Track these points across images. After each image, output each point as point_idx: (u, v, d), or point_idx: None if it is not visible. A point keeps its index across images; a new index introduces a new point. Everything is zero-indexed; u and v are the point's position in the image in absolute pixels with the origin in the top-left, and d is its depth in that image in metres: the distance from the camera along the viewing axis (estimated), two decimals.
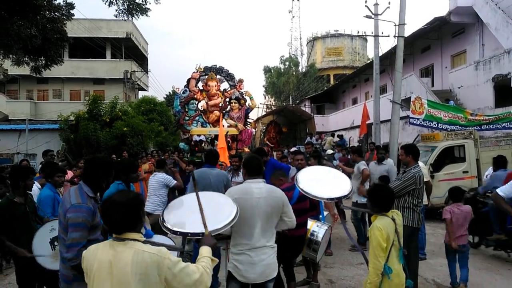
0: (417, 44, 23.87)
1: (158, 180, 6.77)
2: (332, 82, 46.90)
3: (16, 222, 4.11)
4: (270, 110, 34.50)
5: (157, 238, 3.91)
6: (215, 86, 18.10)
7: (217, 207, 3.11)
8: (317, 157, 7.28)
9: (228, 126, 17.63)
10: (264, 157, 6.61)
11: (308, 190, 3.94)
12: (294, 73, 50.87)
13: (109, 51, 32.42)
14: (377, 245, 3.32)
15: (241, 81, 18.43)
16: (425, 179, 6.69)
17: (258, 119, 28.25)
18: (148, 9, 11.06)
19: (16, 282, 4.32)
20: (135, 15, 10.98)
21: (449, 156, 10.66)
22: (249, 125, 18.89)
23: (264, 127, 28.68)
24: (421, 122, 12.14)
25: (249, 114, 18.98)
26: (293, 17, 60.63)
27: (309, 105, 37.93)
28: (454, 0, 19.30)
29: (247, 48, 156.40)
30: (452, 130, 11.54)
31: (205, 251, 2.50)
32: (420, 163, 5.76)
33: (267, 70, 52.89)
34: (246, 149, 17.84)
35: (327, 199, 4.10)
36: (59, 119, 18.80)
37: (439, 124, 11.99)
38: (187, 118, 17.87)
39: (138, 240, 2.17)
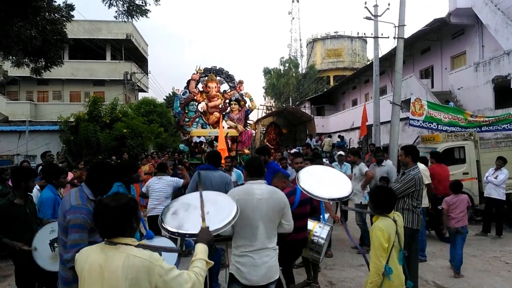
0: (417, 46, 23.89)
1: (168, 183, 6.75)
2: (332, 83, 46.93)
3: (16, 223, 4.10)
4: (270, 111, 34.54)
5: (158, 239, 3.89)
6: (215, 87, 18.09)
7: (217, 206, 3.07)
8: (312, 161, 7.03)
9: (228, 128, 17.62)
10: (267, 156, 6.59)
11: (309, 189, 3.94)
12: (294, 74, 50.88)
13: (109, 52, 32.44)
14: (378, 246, 3.33)
15: (241, 82, 18.42)
16: (426, 182, 6.70)
17: (258, 120, 28.25)
18: (148, 10, 11.08)
19: (15, 284, 4.31)
20: (135, 16, 10.99)
21: (449, 158, 10.64)
22: (249, 127, 18.87)
23: (264, 129, 28.69)
24: (421, 123, 12.13)
25: (249, 116, 18.96)
26: (293, 18, 60.71)
27: (309, 106, 37.94)
28: (453, 2, 19.32)
29: (247, 49, 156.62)
30: (452, 131, 11.53)
31: (200, 250, 2.42)
32: (421, 166, 5.76)
33: (267, 71, 52.90)
34: (246, 151, 17.84)
35: (328, 199, 4.09)
36: (59, 120, 18.82)
37: (439, 126, 11.98)
38: (187, 119, 17.87)
39: (130, 245, 2.13)
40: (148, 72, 36.69)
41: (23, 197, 4.23)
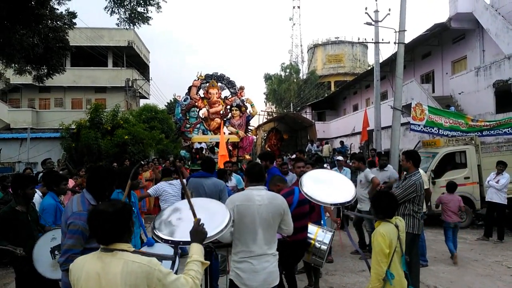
0: (417, 51, 23.94)
1: (180, 188, 6.74)
2: (333, 89, 47.00)
3: (18, 231, 4.12)
4: (271, 117, 34.53)
5: (159, 246, 3.89)
6: (216, 93, 18.12)
7: (209, 213, 3.04)
8: (313, 165, 6.91)
9: (229, 134, 17.63)
10: (268, 162, 6.56)
11: (312, 194, 3.93)
12: (295, 80, 50.99)
13: (110, 59, 32.58)
14: (379, 251, 3.33)
15: (242, 88, 18.45)
16: (425, 187, 6.69)
17: (259, 126, 28.25)
18: (150, 17, 11.13)
19: None
20: (136, 23, 11.04)
21: (450, 162, 10.64)
22: (250, 132, 18.87)
23: (265, 134, 28.67)
24: (422, 128, 12.12)
25: (250, 121, 18.97)
26: (294, 24, 60.95)
27: (310, 112, 37.99)
28: (454, 7, 19.38)
29: (248, 55, 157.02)
30: (453, 136, 11.53)
31: (195, 250, 2.41)
32: (420, 170, 5.77)
33: (268, 77, 53.01)
34: (247, 156, 17.83)
35: (331, 204, 4.08)
36: (61, 127, 18.85)
37: (440, 130, 11.98)
38: (188, 125, 17.88)
39: (127, 251, 2.12)
40: (150, 79, 36.82)
41: (24, 204, 4.25)
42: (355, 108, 34.14)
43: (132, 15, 10.85)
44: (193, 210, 2.79)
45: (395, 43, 13.34)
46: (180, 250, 2.97)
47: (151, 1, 10.80)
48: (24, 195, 4.24)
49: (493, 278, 6.30)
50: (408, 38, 15.27)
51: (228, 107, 18.32)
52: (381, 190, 5.08)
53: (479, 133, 11.61)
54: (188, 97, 17.78)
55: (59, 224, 4.26)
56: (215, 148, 15.35)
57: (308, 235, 4.87)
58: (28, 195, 4.31)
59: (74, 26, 11.69)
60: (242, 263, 3.33)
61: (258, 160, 7.59)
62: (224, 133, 15.90)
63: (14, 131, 26.71)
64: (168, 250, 3.48)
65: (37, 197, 5.30)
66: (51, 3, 10.63)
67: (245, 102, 18.39)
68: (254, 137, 21.10)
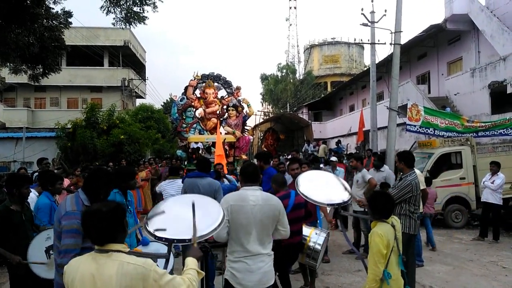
0: (413, 52, 24.01)
1: (180, 186, 6.67)
2: (329, 89, 47.05)
3: (12, 230, 4.09)
4: (267, 117, 34.56)
5: (154, 245, 3.88)
6: (213, 93, 18.11)
7: (204, 211, 3.03)
8: (308, 165, 6.97)
9: (225, 134, 17.62)
10: (263, 162, 6.56)
11: (308, 194, 3.93)
12: (291, 80, 51.00)
13: (106, 59, 32.49)
14: (377, 252, 3.33)
15: (238, 88, 18.45)
16: (421, 187, 6.70)
17: (256, 126, 28.27)
18: (146, 17, 11.09)
19: None
20: (132, 23, 11.00)
21: (446, 163, 10.68)
22: (246, 132, 18.88)
23: (262, 134, 28.69)
24: (418, 129, 12.17)
25: (247, 122, 18.97)
26: (290, 25, 60.89)
27: (306, 112, 38.02)
28: (450, 8, 19.45)
29: (245, 55, 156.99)
30: (448, 136, 11.57)
31: (191, 262, 2.43)
32: (417, 171, 5.78)
33: (264, 77, 53.01)
34: (244, 156, 17.84)
35: (327, 204, 4.08)
36: (56, 127, 18.77)
37: (436, 131, 12.03)
38: (184, 125, 17.86)
39: (122, 251, 2.12)
40: (146, 78, 36.72)
41: (19, 204, 4.22)
42: (352, 108, 34.19)
43: (128, 14, 10.81)
44: (195, 231, 2.73)
45: (391, 44, 13.38)
46: (174, 249, 2.96)
47: (147, 1, 10.76)
48: (20, 195, 4.22)
49: (488, 278, 6.33)
50: (404, 39, 15.33)
51: (225, 107, 18.32)
52: (377, 190, 5.09)
53: (474, 134, 11.66)
54: (185, 97, 17.76)
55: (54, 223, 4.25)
56: (212, 148, 15.35)
57: (303, 236, 4.87)
58: (23, 195, 4.29)
59: (70, 26, 11.63)
60: (237, 263, 3.33)
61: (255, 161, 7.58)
62: (221, 133, 15.88)
63: (9, 130, 26.59)
64: (163, 250, 3.47)
65: (33, 196, 5.27)
66: (46, 2, 10.58)
67: (241, 102, 18.39)
68: (251, 137, 21.12)
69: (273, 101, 51.25)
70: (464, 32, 20.21)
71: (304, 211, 4.76)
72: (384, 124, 15.25)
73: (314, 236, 4.93)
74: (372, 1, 16.65)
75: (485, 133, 11.90)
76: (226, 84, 18.48)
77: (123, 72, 32.21)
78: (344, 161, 13.35)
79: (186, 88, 17.99)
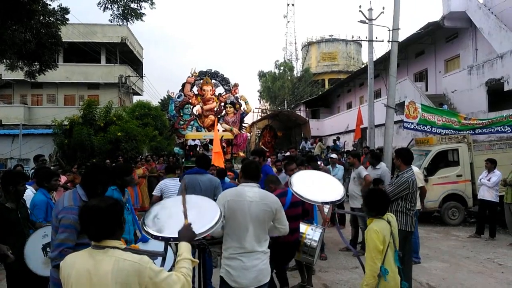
0: (411, 49, 24.03)
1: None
2: (327, 86, 47.05)
3: (7, 228, 4.06)
4: (265, 114, 34.54)
5: (153, 242, 3.87)
6: (210, 90, 18.11)
7: (200, 210, 3.06)
8: (302, 164, 6.95)
9: (223, 131, 17.62)
10: (261, 159, 6.56)
11: (302, 193, 3.95)
12: (289, 77, 51.02)
13: (103, 55, 32.34)
14: (373, 248, 3.35)
15: (236, 85, 18.45)
16: (420, 184, 6.71)
17: (253, 123, 28.27)
18: (143, 14, 11.04)
19: None
20: (130, 20, 10.95)
21: (443, 160, 10.70)
22: (244, 130, 18.90)
23: (259, 132, 28.70)
24: (415, 126, 12.19)
25: (244, 119, 19.00)
26: (288, 22, 60.93)
27: (304, 109, 38.03)
28: (447, 5, 19.47)
29: (242, 53, 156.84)
30: (446, 134, 11.60)
31: (184, 249, 2.41)
32: (415, 168, 5.79)
33: (262, 74, 53.02)
34: (241, 154, 17.85)
35: (321, 203, 4.10)
36: (53, 124, 18.71)
37: (433, 128, 12.05)
38: (182, 122, 17.86)
39: (118, 248, 2.11)
40: (143, 75, 36.63)
41: (14, 201, 4.19)
42: (349, 106, 34.22)
43: (126, 11, 10.76)
44: (185, 213, 2.77)
45: (389, 41, 13.38)
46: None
47: None
48: (16, 192, 4.19)
49: (485, 275, 6.35)
50: (401, 37, 15.34)
51: (222, 104, 18.32)
52: (373, 188, 5.13)
53: (471, 131, 11.70)
54: (182, 93, 17.76)
55: (50, 220, 4.23)
56: (209, 145, 15.34)
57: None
58: (20, 192, 4.27)
59: (67, 22, 11.56)
60: (233, 260, 3.34)
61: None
62: (218, 130, 15.89)
63: (6, 127, 26.41)
64: (162, 247, 3.47)
65: (30, 193, 5.25)
66: None
67: (239, 99, 18.40)
68: (248, 134, 21.13)
69: (270, 98, 51.26)
70: (461, 29, 20.25)
71: (301, 209, 4.77)
72: (381, 121, 15.26)
73: (310, 232, 4.94)
74: None
75: (482, 131, 11.95)
76: (224, 81, 18.48)
77: (120, 69, 32.09)
78: (341, 159, 13.40)
79: (183, 85, 17.99)
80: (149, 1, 10.84)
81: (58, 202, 3.15)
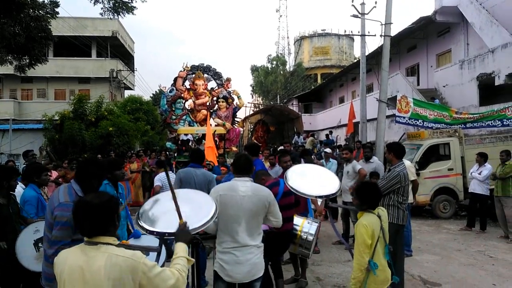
0: (403, 43, 24.10)
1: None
2: (319, 81, 47.13)
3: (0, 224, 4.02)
4: (257, 109, 34.53)
5: (145, 238, 3.85)
6: (202, 85, 18.03)
7: (195, 205, 3.04)
8: (294, 159, 6.96)
9: (215, 125, 17.58)
10: (254, 155, 6.54)
11: (297, 187, 3.94)
12: (281, 72, 51.01)
13: (94, 50, 32.07)
14: (362, 242, 3.35)
15: (228, 80, 18.39)
16: (412, 178, 6.75)
17: (246, 118, 28.24)
18: (134, 7, 11.00)
19: None
20: (121, 13, 10.89)
21: (434, 154, 10.77)
22: (236, 124, 18.87)
23: (252, 126, 28.69)
24: (407, 120, 12.26)
25: (237, 113, 18.97)
26: (281, 16, 60.85)
27: (296, 104, 38.07)
28: (439, 0, 19.54)
29: (235, 47, 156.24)
30: (437, 128, 11.67)
31: (180, 249, 2.41)
32: (407, 162, 5.81)
33: (254, 69, 52.92)
34: (234, 148, 17.83)
35: (316, 196, 4.10)
36: (44, 119, 18.53)
37: (425, 123, 12.12)
38: (174, 117, 17.78)
39: (111, 244, 2.09)
40: (135, 69, 36.39)
41: (5, 197, 4.15)
42: (341, 100, 34.30)
43: (116, 4, 10.69)
44: (179, 212, 2.72)
45: (381, 35, 13.40)
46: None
47: None
48: (9, 187, 4.15)
49: (475, 267, 6.42)
50: (394, 31, 15.35)
51: (215, 98, 18.25)
52: (364, 181, 5.16)
53: (463, 125, 11.79)
54: (174, 88, 17.66)
55: (41, 216, 4.19)
56: (202, 140, 15.31)
57: (294, 226, 4.89)
58: (12, 187, 4.23)
59: (57, 16, 11.46)
60: (226, 254, 3.33)
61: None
62: (211, 124, 15.84)
63: None
64: (155, 242, 3.45)
65: (19, 189, 5.19)
66: None
67: (231, 94, 18.34)
68: (241, 129, 21.09)
69: (263, 93, 51.25)
70: (453, 24, 20.34)
71: (293, 198, 4.77)
72: (373, 115, 15.32)
73: (306, 225, 4.95)
74: None
75: (473, 125, 12.05)
76: (216, 75, 18.40)
77: (111, 63, 31.85)
78: (333, 153, 13.42)
79: (175, 80, 17.88)
80: None
81: (53, 197, 3.10)
